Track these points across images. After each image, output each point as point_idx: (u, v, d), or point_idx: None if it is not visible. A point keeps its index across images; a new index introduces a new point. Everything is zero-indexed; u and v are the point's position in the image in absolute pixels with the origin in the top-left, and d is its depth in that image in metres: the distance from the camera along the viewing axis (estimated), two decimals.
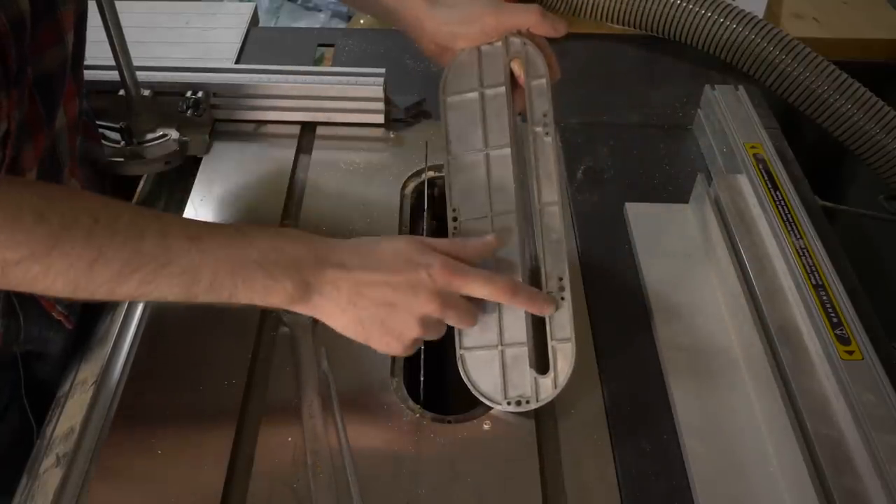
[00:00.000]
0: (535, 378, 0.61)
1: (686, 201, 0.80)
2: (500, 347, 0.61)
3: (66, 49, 0.61)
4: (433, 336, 0.58)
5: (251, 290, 0.52)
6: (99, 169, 0.81)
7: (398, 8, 0.69)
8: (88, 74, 0.71)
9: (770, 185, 0.73)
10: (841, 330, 0.60)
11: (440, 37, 0.68)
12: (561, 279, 0.61)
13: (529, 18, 0.65)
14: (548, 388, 0.60)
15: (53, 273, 0.47)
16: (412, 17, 0.68)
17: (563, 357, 0.60)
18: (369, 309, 0.55)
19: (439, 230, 0.80)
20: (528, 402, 0.61)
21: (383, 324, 0.56)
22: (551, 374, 0.60)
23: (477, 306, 0.60)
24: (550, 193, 0.64)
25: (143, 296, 0.50)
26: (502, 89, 0.66)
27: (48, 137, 0.62)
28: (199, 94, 0.85)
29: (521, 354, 0.61)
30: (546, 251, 0.62)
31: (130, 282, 0.49)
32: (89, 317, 0.73)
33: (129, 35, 0.78)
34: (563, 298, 0.61)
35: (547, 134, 0.64)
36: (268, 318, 0.69)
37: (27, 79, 0.56)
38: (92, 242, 0.47)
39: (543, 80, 0.66)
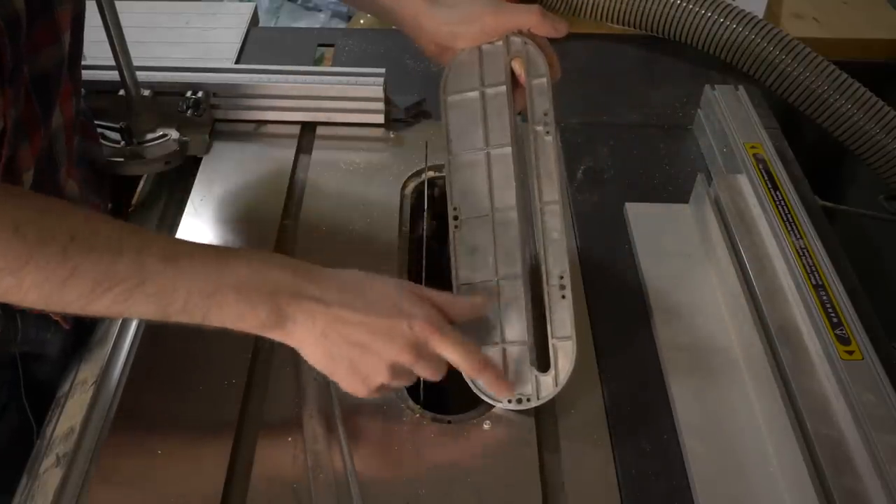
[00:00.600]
0: (536, 376, 0.61)
1: (686, 201, 0.80)
2: (501, 345, 0.61)
3: (63, 49, 0.61)
4: (400, 384, 0.57)
5: (222, 314, 0.51)
6: (98, 169, 0.81)
7: (395, 7, 0.69)
8: (88, 74, 0.71)
9: (770, 185, 0.73)
10: (841, 330, 0.60)
11: (440, 36, 0.68)
12: (562, 277, 0.62)
13: (530, 18, 0.65)
14: (549, 386, 0.61)
15: (26, 286, 0.47)
16: (410, 16, 0.68)
17: (564, 355, 0.60)
18: (341, 346, 0.54)
19: (439, 230, 0.80)
20: (528, 399, 0.61)
21: (352, 363, 0.54)
22: (552, 372, 0.60)
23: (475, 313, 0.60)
24: (551, 192, 0.64)
25: (117, 313, 0.50)
26: (503, 88, 0.66)
27: (45, 137, 0.62)
28: (199, 94, 0.85)
29: (522, 352, 0.61)
30: (547, 250, 0.62)
31: (104, 299, 0.48)
32: (88, 317, 0.73)
33: (129, 35, 0.78)
34: (563, 297, 0.61)
35: (547, 133, 0.64)
36: None
37: (23, 77, 0.56)
38: (67, 259, 0.47)
39: (544, 80, 0.66)
